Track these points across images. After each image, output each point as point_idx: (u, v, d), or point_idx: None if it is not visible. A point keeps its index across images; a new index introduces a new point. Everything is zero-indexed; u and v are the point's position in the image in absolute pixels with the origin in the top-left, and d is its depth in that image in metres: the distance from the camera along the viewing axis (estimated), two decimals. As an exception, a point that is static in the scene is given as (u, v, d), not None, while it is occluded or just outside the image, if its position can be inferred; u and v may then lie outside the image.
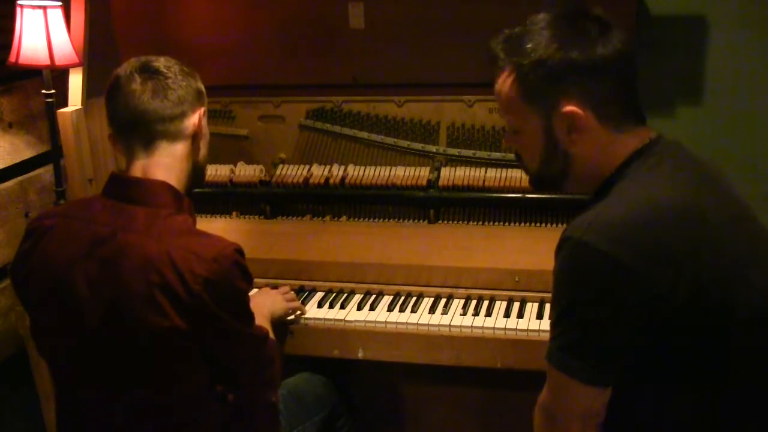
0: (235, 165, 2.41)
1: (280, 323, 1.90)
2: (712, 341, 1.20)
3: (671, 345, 1.19)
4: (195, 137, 1.54)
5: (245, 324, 1.49)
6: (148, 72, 1.49)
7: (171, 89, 1.49)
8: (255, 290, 1.87)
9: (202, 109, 1.56)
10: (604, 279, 1.16)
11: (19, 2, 2.37)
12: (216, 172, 2.39)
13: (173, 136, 1.50)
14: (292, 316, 1.94)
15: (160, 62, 1.51)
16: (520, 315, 1.90)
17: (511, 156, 2.26)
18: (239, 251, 1.44)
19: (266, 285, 2.05)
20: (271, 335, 1.65)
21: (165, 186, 1.48)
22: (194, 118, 1.53)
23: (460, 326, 1.87)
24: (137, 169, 1.49)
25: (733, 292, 1.20)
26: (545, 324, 1.85)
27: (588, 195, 1.36)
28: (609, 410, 1.25)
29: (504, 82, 1.29)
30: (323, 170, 2.35)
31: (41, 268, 1.45)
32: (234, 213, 2.41)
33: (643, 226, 1.17)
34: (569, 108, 1.24)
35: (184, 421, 1.48)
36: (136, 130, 1.48)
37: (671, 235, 1.17)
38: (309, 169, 2.37)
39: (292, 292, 1.99)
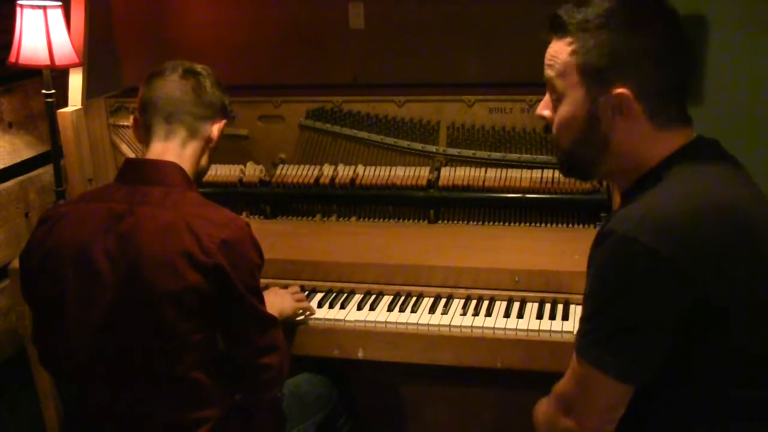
0: (236, 165, 2.41)
1: (288, 323, 1.90)
2: (751, 341, 1.19)
3: (709, 344, 1.18)
4: (208, 142, 1.66)
5: (257, 300, 1.54)
6: (191, 72, 1.65)
7: (206, 92, 1.65)
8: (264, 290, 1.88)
9: (223, 122, 1.70)
10: (650, 276, 1.15)
11: (19, 2, 2.37)
12: (216, 172, 2.39)
13: (192, 132, 1.63)
14: (302, 317, 1.94)
15: (202, 68, 1.69)
16: (520, 315, 1.90)
17: (512, 156, 2.27)
18: (248, 224, 1.56)
19: (266, 285, 2.05)
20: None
21: (177, 167, 1.58)
22: (214, 127, 1.67)
23: (460, 326, 1.87)
24: (154, 152, 1.60)
25: None
26: (545, 324, 1.85)
27: (621, 188, 1.34)
28: (631, 404, 1.24)
29: (564, 50, 1.26)
30: (323, 170, 2.35)
31: (59, 248, 1.49)
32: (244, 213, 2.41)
33: (691, 225, 1.16)
34: (621, 90, 1.22)
35: (191, 397, 1.51)
36: (164, 111, 1.61)
37: (718, 234, 1.16)
38: (309, 169, 2.37)
39: (301, 293, 1.99)
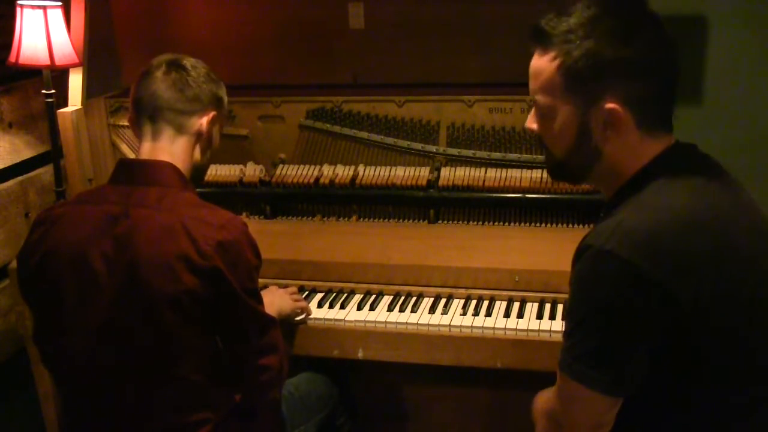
0: (236, 165, 2.41)
1: (287, 323, 1.90)
2: (731, 352, 1.19)
3: (690, 354, 1.18)
4: (199, 136, 1.63)
5: (255, 301, 1.53)
6: (176, 66, 1.61)
7: (190, 86, 1.60)
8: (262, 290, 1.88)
9: (213, 114, 1.65)
10: (626, 288, 1.15)
11: (19, 2, 2.37)
12: (216, 172, 2.39)
13: (178, 128, 1.60)
14: (300, 317, 1.94)
15: (190, 61, 1.64)
16: (520, 315, 1.90)
17: (512, 156, 2.27)
18: (245, 225, 1.53)
19: (265, 285, 2.04)
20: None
21: (170, 166, 1.57)
22: (203, 119, 1.62)
23: (460, 326, 1.87)
24: (144, 152, 1.59)
25: (754, 302, 1.19)
26: (545, 324, 1.85)
27: (604, 195, 1.34)
28: (618, 418, 1.24)
29: (547, 64, 1.23)
30: (323, 170, 2.35)
31: (56, 251, 1.49)
32: (244, 214, 2.41)
33: (665, 236, 1.15)
34: (612, 105, 1.20)
35: (190, 399, 1.51)
36: (148, 111, 1.59)
37: (693, 245, 1.16)
38: (309, 169, 2.37)
39: (299, 293, 1.99)
